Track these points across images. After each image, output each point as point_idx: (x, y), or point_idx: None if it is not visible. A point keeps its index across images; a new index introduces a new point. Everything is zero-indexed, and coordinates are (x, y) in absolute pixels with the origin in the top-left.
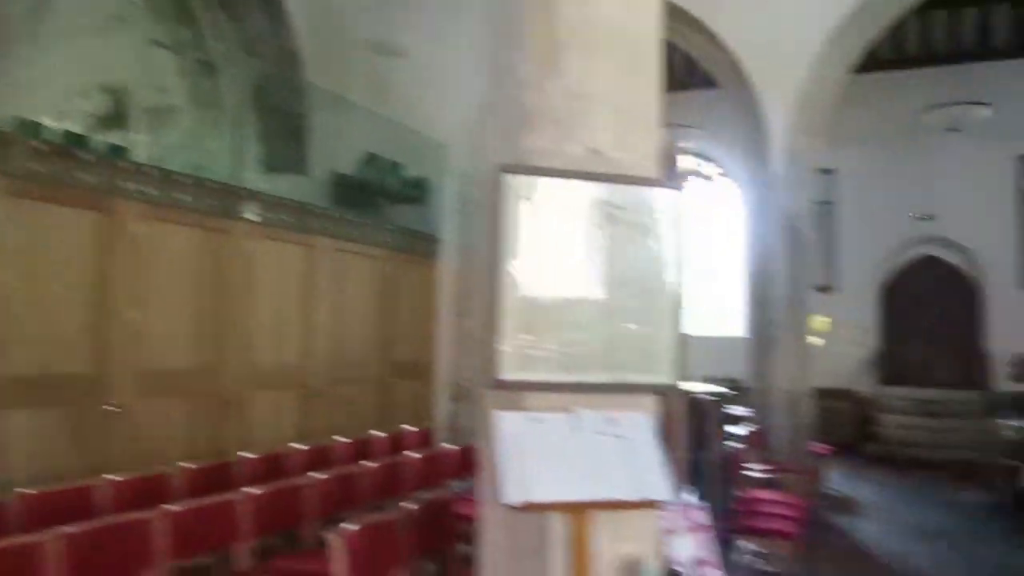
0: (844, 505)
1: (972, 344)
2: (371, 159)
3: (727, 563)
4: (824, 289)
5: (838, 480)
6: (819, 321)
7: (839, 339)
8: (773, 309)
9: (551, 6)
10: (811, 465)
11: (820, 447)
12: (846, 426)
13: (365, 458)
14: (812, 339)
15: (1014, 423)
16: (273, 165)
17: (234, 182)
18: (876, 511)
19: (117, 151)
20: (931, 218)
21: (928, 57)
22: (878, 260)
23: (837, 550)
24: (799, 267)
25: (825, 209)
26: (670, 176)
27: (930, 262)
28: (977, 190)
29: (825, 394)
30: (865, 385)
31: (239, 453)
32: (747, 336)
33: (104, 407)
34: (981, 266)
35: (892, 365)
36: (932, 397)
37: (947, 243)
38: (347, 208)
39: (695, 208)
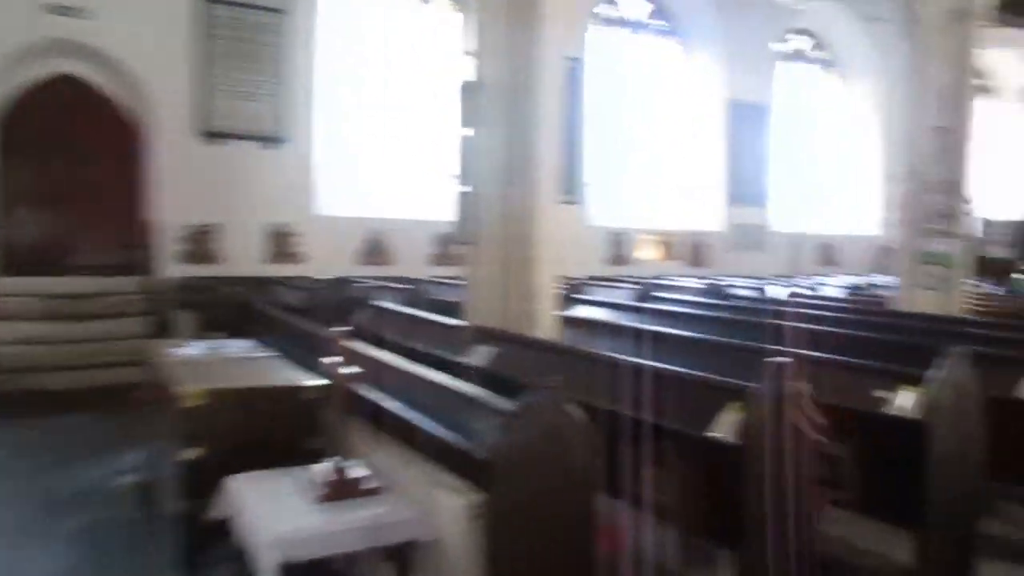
0: None
1: (132, 211)
2: None
3: None
4: None
5: None
6: None
7: None
8: None
9: None
10: None
11: None
12: None
13: None
14: None
15: (193, 350)
16: None
17: None
18: None
19: None
20: (74, 11)
21: None
22: None
23: None
24: None
25: None
26: None
27: (69, 85)
28: None
29: None
30: None
31: None
32: None
33: None
34: (149, 100)
35: (10, 244)
36: (72, 290)
37: (98, 58)
38: None
39: None
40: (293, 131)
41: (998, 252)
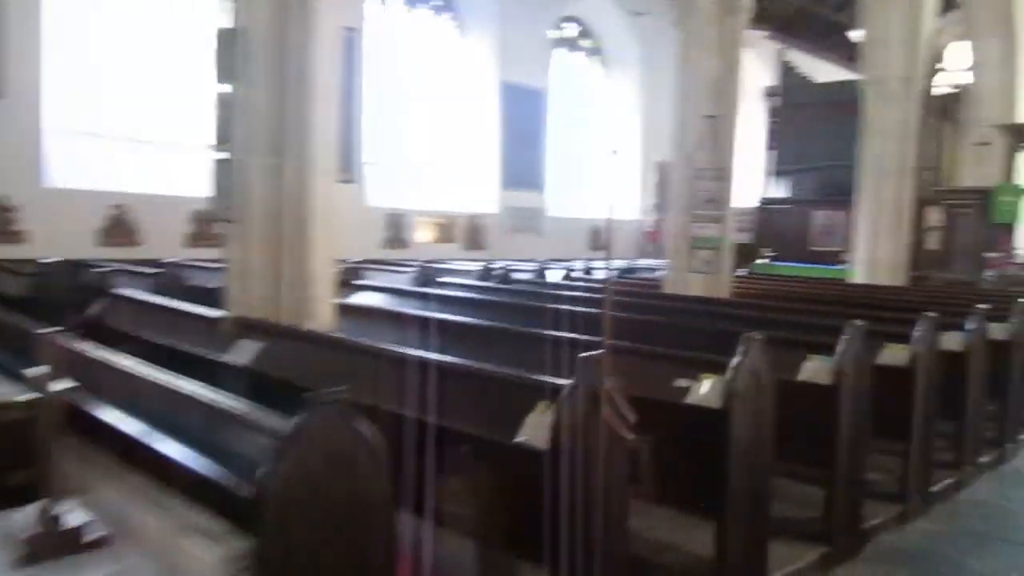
0: None
1: None
2: None
3: None
4: None
5: None
6: None
7: None
8: None
9: None
10: None
11: None
12: None
13: None
14: None
15: None
16: None
17: None
18: None
19: None
20: None
21: None
22: None
23: None
24: None
25: None
26: None
27: None
28: None
29: None
30: None
31: None
32: None
33: None
34: None
35: None
36: None
37: None
38: None
39: None
40: (14, 85)
41: (740, 238)
